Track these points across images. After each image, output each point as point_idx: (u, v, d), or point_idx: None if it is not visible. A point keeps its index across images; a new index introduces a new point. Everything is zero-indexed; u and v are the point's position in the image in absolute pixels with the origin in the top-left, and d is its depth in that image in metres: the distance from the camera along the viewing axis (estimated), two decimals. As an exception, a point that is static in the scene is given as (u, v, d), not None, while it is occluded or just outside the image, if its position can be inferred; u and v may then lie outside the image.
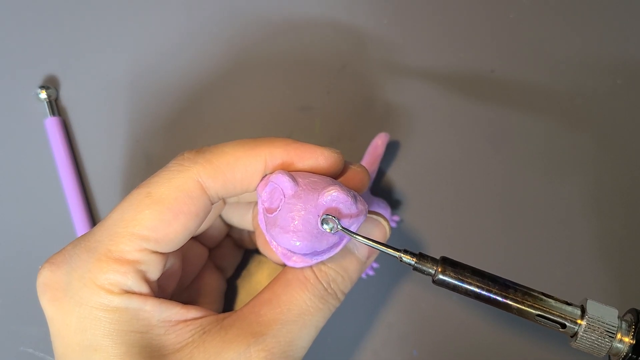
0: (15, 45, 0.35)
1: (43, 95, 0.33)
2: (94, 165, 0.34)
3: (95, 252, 0.20)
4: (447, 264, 0.21)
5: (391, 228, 0.26)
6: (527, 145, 0.34)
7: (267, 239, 0.22)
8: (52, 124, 0.33)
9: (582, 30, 0.36)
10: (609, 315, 0.20)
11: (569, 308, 0.20)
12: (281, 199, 0.21)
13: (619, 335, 0.20)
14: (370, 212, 0.24)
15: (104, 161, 0.34)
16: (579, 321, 0.20)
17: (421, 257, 0.21)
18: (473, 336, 0.31)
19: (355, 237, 0.21)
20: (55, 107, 0.34)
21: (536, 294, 0.20)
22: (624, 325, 0.20)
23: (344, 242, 0.22)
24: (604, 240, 0.32)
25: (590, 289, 0.32)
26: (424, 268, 0.21)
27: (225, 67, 0.35)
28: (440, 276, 0.21)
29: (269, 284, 0.23)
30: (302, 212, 0.20)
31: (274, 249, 0.22)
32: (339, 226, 0.20)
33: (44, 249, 0.32)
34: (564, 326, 0.20)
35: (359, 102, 0.34)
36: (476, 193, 0.33)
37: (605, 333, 0.20)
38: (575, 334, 0.20)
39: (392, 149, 0.34)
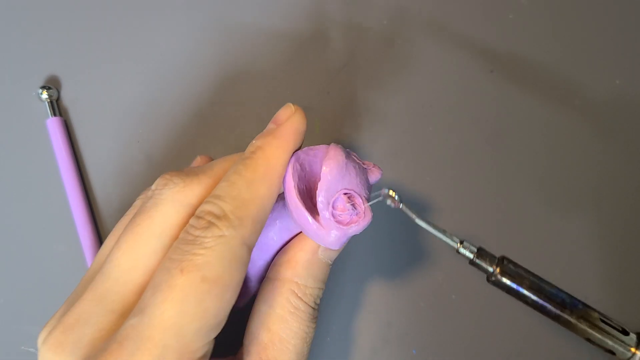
0: (16, 46, 0.35)
1: (44, 95, 0.34)
2: (96, 165, 0.34)
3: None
4: (507, 265, 0.20)
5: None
6: (525, 144, 0.34)
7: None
8: (53, 124, 0.33)
9: (580, 30, 0.36)
10: None
11: (625, 337, 0.20)
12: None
13: None
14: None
15: (105, 161, 0.34)
16: (633, 349, 0.19)
17: (480, 252, 0.20)
18: (473, 335, 0.31)
19: (415, 220, 0.20)
20: (57, 107, 0.34)
21: (594, 317, 0.20)
22: None
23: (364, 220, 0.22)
24: (605, 231, 0.32)
25: (591, 285, 0.32)
26: (482, 264, 0.20)
27: (225, 67, 0.35)
28: (499, 277, 0.20)
29: (256, 315, 0.23)
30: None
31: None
32: (400, 204, 0.21)
33: (45, 249, 0.32)
34: (613, 353, 0.20)
35: (359, 102, 0.35)
36: (474, 192, 0.33)
37: None
38: None
39: (391, 147, 0.34)
